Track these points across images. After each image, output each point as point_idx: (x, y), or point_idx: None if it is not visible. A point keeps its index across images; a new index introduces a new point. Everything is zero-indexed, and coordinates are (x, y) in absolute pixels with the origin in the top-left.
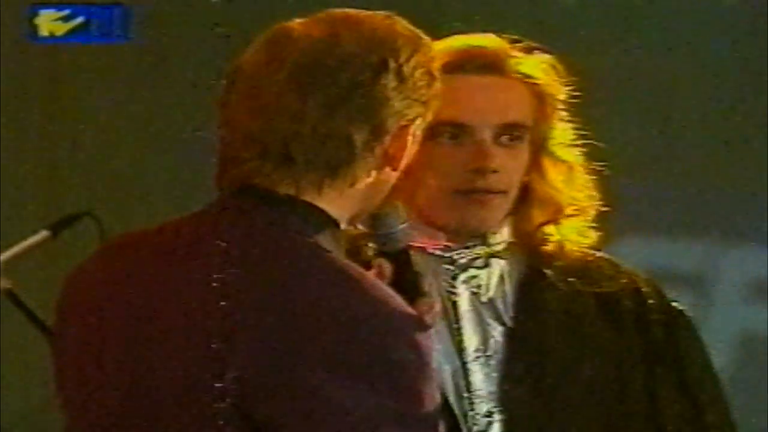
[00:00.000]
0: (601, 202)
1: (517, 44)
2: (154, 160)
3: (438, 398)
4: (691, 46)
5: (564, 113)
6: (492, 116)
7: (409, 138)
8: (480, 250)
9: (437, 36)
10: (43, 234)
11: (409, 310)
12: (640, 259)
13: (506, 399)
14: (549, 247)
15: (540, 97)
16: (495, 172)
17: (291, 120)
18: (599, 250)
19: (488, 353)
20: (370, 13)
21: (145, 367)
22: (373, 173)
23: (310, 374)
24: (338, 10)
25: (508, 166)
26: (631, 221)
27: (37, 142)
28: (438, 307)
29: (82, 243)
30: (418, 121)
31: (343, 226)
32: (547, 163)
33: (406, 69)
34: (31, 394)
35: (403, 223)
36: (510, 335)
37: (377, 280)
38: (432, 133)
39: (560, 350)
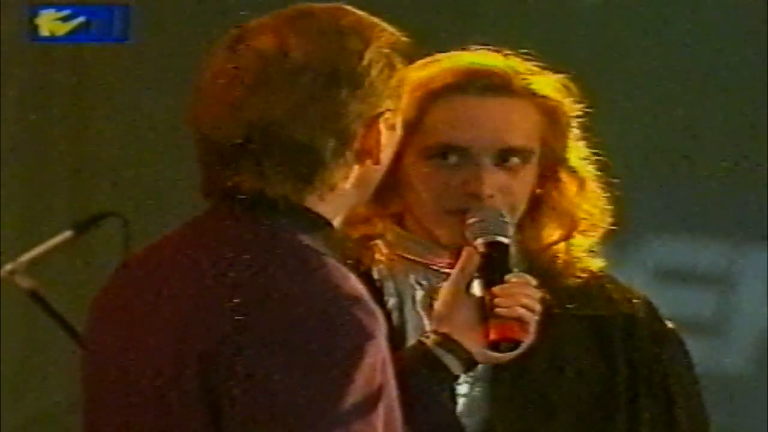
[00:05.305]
0: (612, 219)
1: (529, 61)
2: (176, 159)
3: (379, 380)
4: (716, 44)
5: (578, 132)
6: (492, 140)
7: (381, 130)
8: None
9: (459, 39)
10: (67, 234)
11: (361, 294)
12: (662, 260)
13: (492, 422)
14: (556, 268)
15: (551, 115)
16: (491, 197)
17: (256, 135)
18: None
19: (475, 375)
20: (318, 8)
21: (131, 362)
22: (355, 170)
23: (252, 356)
24: (291, 9)
25: (508, 189)
26: (654, 221)
27: (60, 142)
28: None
29: (106, 243)
30: (387, 114)
31: (335, 223)
32: (564, 177)
33: (359, 70)
34: (31, 404)
35: (502, 217)
36: None
37: (341, 269)
38: (431, 153)
39: (541, 374)
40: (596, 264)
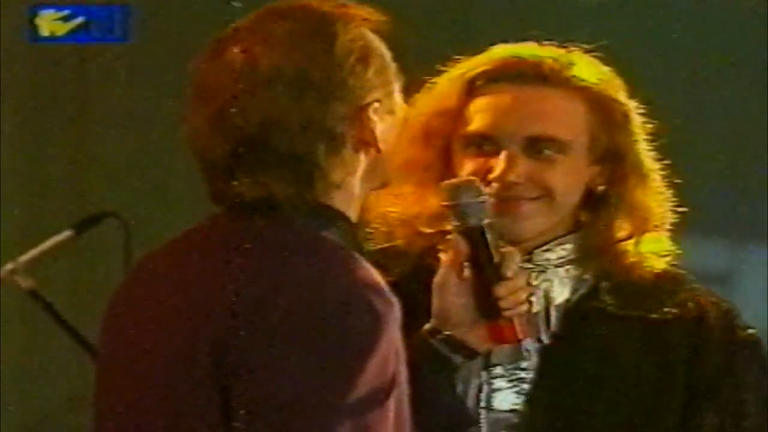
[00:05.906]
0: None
1: (586, 53)
2: (176, 159)
3: (392, 369)
4: (716, 44)
5: (640, 127)
6: (519, 128)
7: (372, 120)
8: (529, 265)
9: (468, 39)
10: (67, 234)
11: (378, 282)
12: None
13: (529, 419)
14: (622, 266)
15: (600, 107)
16: (516, 184)
17: (242, 147)
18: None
19: (518, 369)
20: (286, 8)
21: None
22: (361, 161)
23: (264, 343)
24: (263, 10)
25: (541, 178)
26: None
27: (60, 142)
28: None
29: (105, 243)
30: (374, 104)
31: (352, 216)
32: (630, 174)
33: (328, 70)
34: (31, 404)
35: (477, 197)
36: (544, 354)
37: (357, 259)
38: (468, 142)
39: (591, 376)
40: (661, 264)
